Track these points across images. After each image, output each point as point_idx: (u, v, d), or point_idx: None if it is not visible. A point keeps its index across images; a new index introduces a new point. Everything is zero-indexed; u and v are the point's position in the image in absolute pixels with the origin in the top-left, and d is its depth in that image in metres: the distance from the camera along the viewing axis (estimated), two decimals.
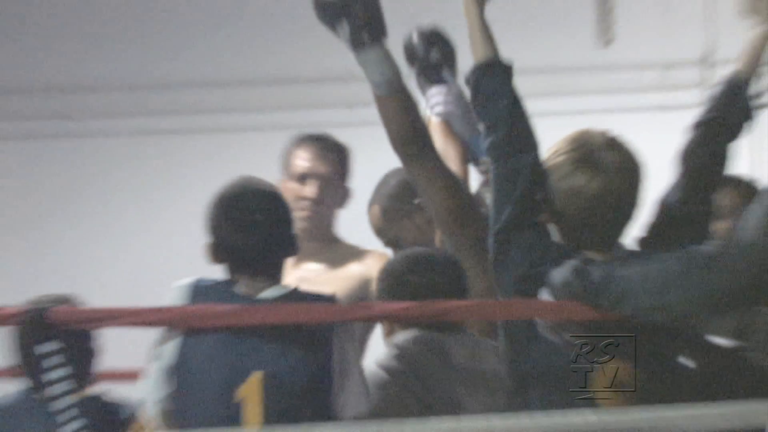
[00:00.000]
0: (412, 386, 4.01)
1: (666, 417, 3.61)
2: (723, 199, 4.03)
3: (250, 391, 3.85)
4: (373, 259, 4.99)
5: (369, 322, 4.74)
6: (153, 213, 7.70)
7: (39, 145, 7.84)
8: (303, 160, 5.01)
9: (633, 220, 3.80)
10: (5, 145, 7.86)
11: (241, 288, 3.95)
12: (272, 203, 4.02)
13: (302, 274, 4.95)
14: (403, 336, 4.10)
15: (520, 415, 3.72)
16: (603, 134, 3.82)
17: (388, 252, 4.84)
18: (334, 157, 5.04)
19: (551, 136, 3.83)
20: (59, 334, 3.76)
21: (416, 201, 4.69)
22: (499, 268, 3.78)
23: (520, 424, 3.70)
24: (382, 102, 4.19)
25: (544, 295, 3.67)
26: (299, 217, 4.86)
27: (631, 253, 3.78)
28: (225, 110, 7.67)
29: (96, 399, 4.12)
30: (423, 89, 4.68)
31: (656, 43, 7.45)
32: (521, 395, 3.78)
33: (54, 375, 3.73)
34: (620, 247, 3.81)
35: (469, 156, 4.65)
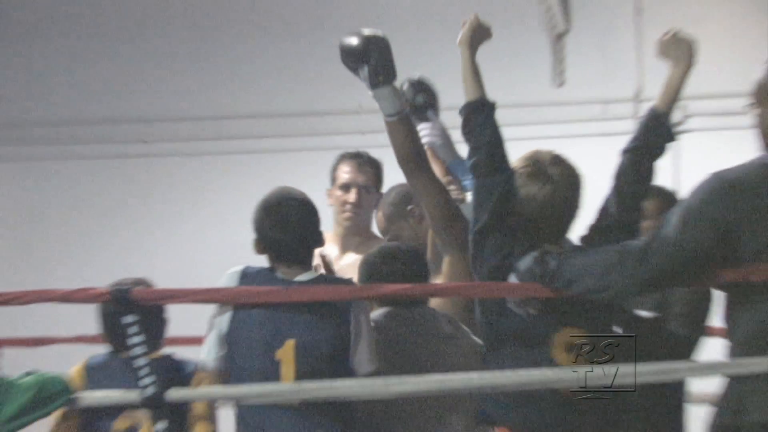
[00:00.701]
0: (384, 351, 4.00)
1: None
2: (649, 205, 3.97)
3: (286, 354, 3.87)
4: None
5: None
6: (208, 216, 7.62)
7: (124, 162, 7.79)
8: (346, 173, 4.94)
9: (576, 218, 3.80)
10: (96, 165, 7.78)
11: (280, 273, 3.97)
12: (304, 207, 4.02)
13: (347, 262, 4.89)
14: (378, 312, 4.11)
15: (494, 373, 3.72)
16: (549, 153, 3.81)
17: None
18: (370, 169, 4.95)
19: (516, 157, 3.82)
20: (137, 309, 3.78)
21: (409, 208, 4.73)
22: (476, 260, 3.77)
23: (494, 378, 3.70)
24: (391, 127, 4.18)
25: (512, 279, 3.68)
26: (344, 217, 4.90)
27: (578, 247, 3.77)
28: (266, 137, 7.55)
29: (165, 359, 4.04)
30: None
31: (598, 83, 7.39)
32: (495, 354, 3.76)
33: (134, 340, 3.77)
34: (569, 242, 3.80)
35: (448, 173, 4.63)
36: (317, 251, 4.08)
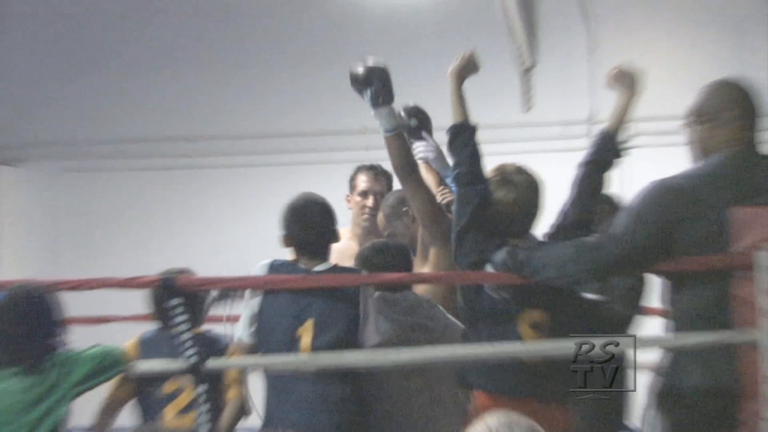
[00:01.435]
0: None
1: (564, 346, 3.58)
2: (601, 209, 3.99)
3: (306, 331, 3.86)
4: None
5: None
6: (240, 218, 7.57)
7: (170, 174, 7.75)
8: (364, 182, 4.88)
9: (538, 218, 3.79)
10: (148, 175, 7.76)
11: (302, 264, 3.96)
12: (323, 209, 4.01)
13: None
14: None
15: (472, 346, 3.70)
16: (514, 164, 3.81)
17: None
18: (383, 179, 4.91)
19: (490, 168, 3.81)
20: (182, 293, 3.77)
21: (404, 209, 4.63)
22: (458, 254, 3.76)
23: (472, 351, 3.69)
24: (388, 141, 4.16)
25: (488, 269, 3.67)
26: (363, 219, 4.83)
27: (542, 242, 3.77)
28: (288, 152, 7.54)
29: (204, 334, 4.07)
30: (411, 143, 4.59)
31: (558, 108, 7.37)
32: (473, 330, 3.76)
33: (178, 319, 3.75)
34: (535, 238, 3.79)
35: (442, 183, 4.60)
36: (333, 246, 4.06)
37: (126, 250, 7.49)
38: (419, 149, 4.55)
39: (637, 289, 3.94)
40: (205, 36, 7.78)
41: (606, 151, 3.86)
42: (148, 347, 4.09)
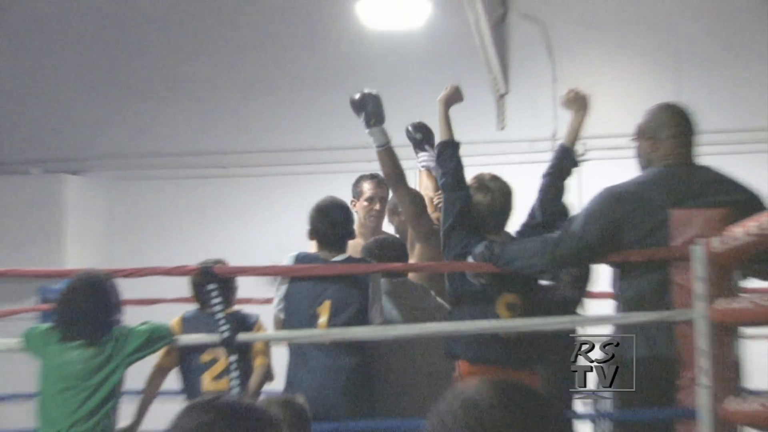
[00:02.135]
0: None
1: (533, 323, 3.58)
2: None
3: (324, 310, 3.83)
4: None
5: None
6: (267, 220, 7.49)
7: (206, 182, 7.67)
8: (369, 189, 4.70)
9: (510, 218, 3.77)
10: (186, 183, 7.68)
11: (322, 255, 3.93)
12: (344, 210, 4.01)
13: None
14: None
15: (457, 323, 3.69)
16: (489, 173, 3.81)
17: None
18: (384, 186, 4.68)
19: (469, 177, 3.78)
20: (217, 279, 3.76)
21: (400, 209, 4.65)
22: (446, 248, 3.73)
23: (458, 327, 3.68)
24: (380, 154, 4.15)
25: (470, 260, 3.65)
26: (370, 221, 4.71)
27: (515, 238, 3.75)
28: (304, 164, 7.50)
29: (236, 313, 4.03)
30: (416, 153, 4.61)
31: (527, 128, 7.31)
32: (457, 310, 3.73)
33: (214, 301, 3.74)
34: (508, 234, 3.78)
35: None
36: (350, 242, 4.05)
37: (170, 244, 7.43)
38: (423, 158, 4.52)
39: (584, 277, 3.89)
40: (237, 67, 7.72)
41: (565, 163, 3.83)
42: (189, 324, 4.05)
